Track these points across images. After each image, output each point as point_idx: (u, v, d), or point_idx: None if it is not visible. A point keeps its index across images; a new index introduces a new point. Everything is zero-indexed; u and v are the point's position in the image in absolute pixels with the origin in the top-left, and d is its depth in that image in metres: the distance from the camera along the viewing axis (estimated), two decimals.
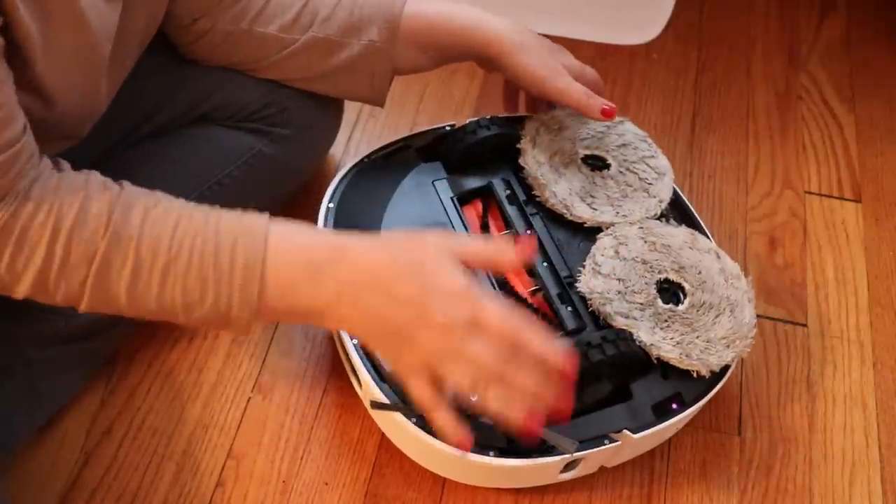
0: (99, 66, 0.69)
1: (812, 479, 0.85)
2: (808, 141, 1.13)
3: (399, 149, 0.90)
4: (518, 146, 0.86)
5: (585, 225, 0.83)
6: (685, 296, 0.79)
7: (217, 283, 0.63)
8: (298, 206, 0.99)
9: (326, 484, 0.81)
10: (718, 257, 0.82)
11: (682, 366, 0.76)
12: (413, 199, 0.85)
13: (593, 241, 0.82)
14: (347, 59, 0.83)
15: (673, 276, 0.80)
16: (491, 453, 0.72)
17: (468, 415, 0.68)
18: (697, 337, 0.77)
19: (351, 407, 0.85)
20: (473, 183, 0.87)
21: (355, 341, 0.77)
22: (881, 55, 1.24)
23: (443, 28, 0.84)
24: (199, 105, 0.86)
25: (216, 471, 0.82)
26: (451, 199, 0.85)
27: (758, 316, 0.95)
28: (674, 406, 0.76)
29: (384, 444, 0.83)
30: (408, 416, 0.73)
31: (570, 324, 0.78)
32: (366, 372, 0.75)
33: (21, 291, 0.63)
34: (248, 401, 0.86)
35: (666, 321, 0.77)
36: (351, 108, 1.08)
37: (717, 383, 0.78)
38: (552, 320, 0.79)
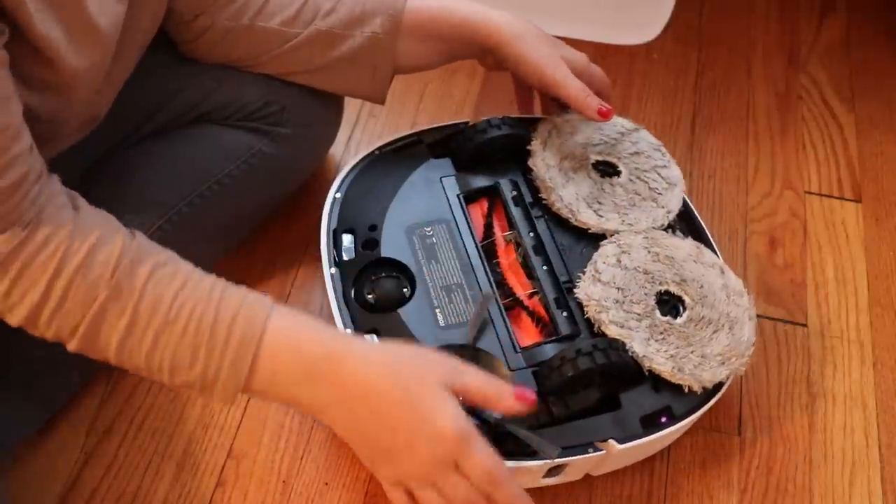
0: (106, 62, 0.69)
1: (812, 479, 0.85)
2: (808, 141, 1.13)
3: (411, 143, 0.90)
4: (528, 147, 0.86)
5: (590, 231, 0.82)
6: (684, 309, 0.78)
7: (209, 354, 0.63)
8: (299, 206, 0.99)
9: (326, 484, 0.81)
10: (723, 272, 0.81)
11: (673, 380, 0.74)
12: (420, 194, 0.85)
13: (597, 247, 0.81)
14: (349, 50, 0.83)
15: (674, 289, 0.79)
16: None
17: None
18: (692, 352, 0.76)
19: None
20: (481, 182, 0.86)
21: None
22: (881, 56, 1.24)
23: (445, 20, 0.84)
24: (200, 104, 0.86)
25: (216, 471, 0.82)
26: (458, 196, 0.85)
27: (758, 316, 0.95)
28: (663, 419, 0.75)
29: None
30: None
31: (565, 329, 0.77)
32: None
33: (13, 321, 0.63)
34: (248, 401, 0.86)
35: (662, 333, 0.76)
36: (351, 108, 1.08)
37: (709, 400, 0.76)
38: (547, 324, 0.78)
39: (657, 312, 0.78)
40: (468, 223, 0.83)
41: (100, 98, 0.74)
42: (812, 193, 1.08)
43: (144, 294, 0.62)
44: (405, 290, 0.79)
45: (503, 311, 0.78)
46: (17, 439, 0.79)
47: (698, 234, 0.86)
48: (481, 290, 0.79)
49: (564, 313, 0.78)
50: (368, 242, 0.81)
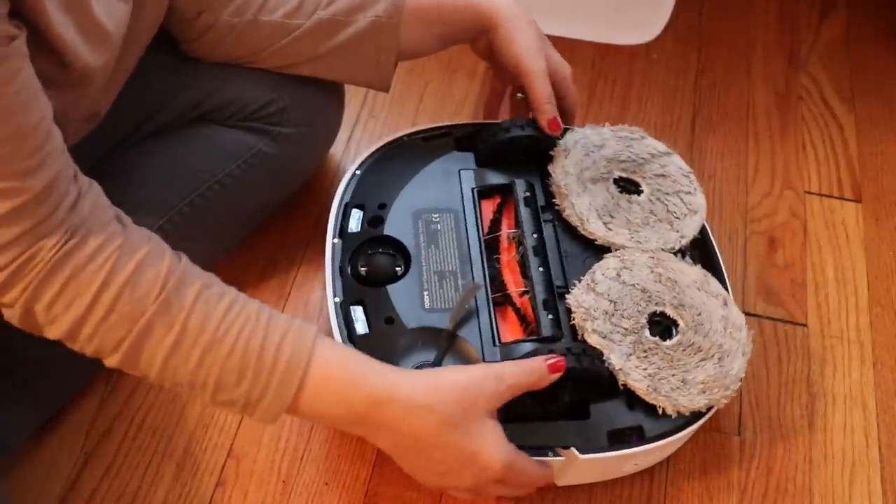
0: (113, 62, 0.70)
1: (812, 479, 0.85)
2: (808, 141, 1.13)
3: (440, 134, 0.91)
4: (551, 153, 0.86)
5: (596, 242, 0.82)
6: (677, 333, 0.77)
7: (256, 374, 0.63)
8: (299, 205, 0.99)
9: (326, 484, 0.81)
10: (726, 304, 0.79)
11: (648, 399, 0.73)
12: (435, 182, 0.86)
13: (600, 259, 0.80)
14: (353, 35, 0.83)
15: (670, 311, 0.78)
16: None
17: None
18: (673, 375, 0.74)
19: None
20: (498, 179, 0.87)
21: None
22: (881, 55, 1.24)
23: (449, 2, 0.85)
24: (201, 104, 0.86)
25: (216, 470, 0.82)
26: (472, 189, 0.86)
27: (758, 316, 0.95)
28: (633, 438, 0.74)
29: None
30: None
31: (547, 331, 0.76)
32: None
33: (54, 334, 0.63)
34: None
35: (646, 352, 0.75)
36: (351, 109, 1.09)
37: (685, 427, 0.75)
38: (531, 324, 0.77)
39: (646, 331, 0.76)
40: (476, 216, 0.84)
41: (102, 97, 0.74)
42: (812, 193, 1.08)
43: (193, 312, 0.63)
44: (398, 268, 0.80)
45: (491, 304, 0.78)
46: (17, 439, 0.79)
47: (712, 265, 0.84)
48: (474, 280, 0.79)
49: (550, 316, 0.77)
50: (375, 219, 0.83)
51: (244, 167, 0.87)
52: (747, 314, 0.96)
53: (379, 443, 0.69)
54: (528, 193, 0.85)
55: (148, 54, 0.78)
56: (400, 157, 0.88)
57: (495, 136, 0.86)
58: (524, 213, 0.83)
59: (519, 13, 0.85)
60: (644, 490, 0.83)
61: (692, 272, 0.81)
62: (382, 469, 0.82)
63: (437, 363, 0.74)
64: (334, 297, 0.78)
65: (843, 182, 1.09)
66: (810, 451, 0.86)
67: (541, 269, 0.80)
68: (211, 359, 0.63)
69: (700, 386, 0.74)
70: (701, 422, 0.76)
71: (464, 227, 0.83)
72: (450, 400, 0.66)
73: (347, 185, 0.86)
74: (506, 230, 0.84)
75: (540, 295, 0.78)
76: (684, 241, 0.83)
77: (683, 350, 0.76)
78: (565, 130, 0.89)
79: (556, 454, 0.73)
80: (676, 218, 0.85)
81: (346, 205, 0.84)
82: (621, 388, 0.74)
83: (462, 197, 0.85)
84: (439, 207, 0.84)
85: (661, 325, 0.78)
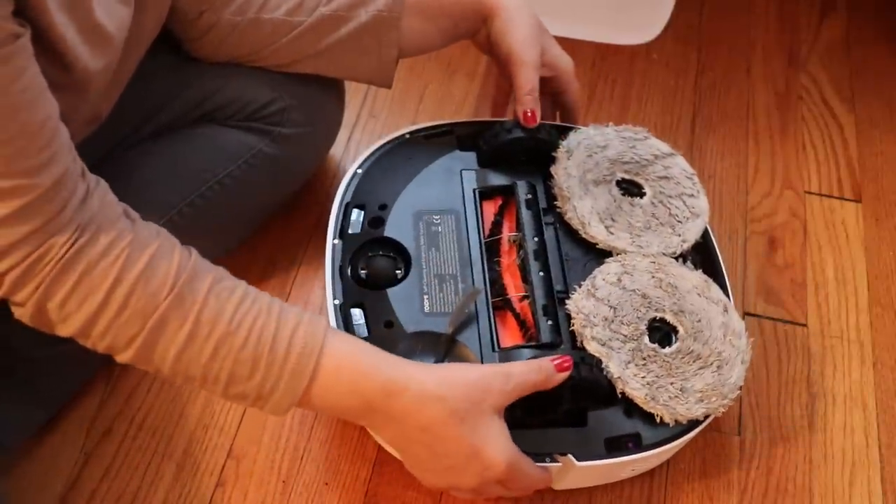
0: (115, 64, 0.70)
1: (812, 479, 0.85)
2: (808, 141, 1.13)
3: (442, 132, 0.90)
4: (553, 154, 0.86)
5: (598, 246, 0.81)
6: (676, 340, 0.77)
7: (269, 366, 0.64)
8: (299, 205, 0.99)
9: (326, 484, 0.81)
10: (726, 311, 0.79)
11: (645, 407, 0.73)
12: (437, 182, 0.86)
13: (602, 263, 0.80)
14: (354, 30, 0.83)
15: (669, 318, 0.77)
16: None
17: None
18: (672, 383, 0.74)
19: None
20: (500, 180, 0.86)
21: None
22: (881, 55, 1.24)
23: None
24: (202, 104, 0.86)
25: (216, 471, 0.82)
26: (474, 190, 0.85)
27: (758, 316, 0.95)
28: (629, 445, 0.74)
29: None
30: None
31: (546, 337, 0.76)
32: None
33: (65, 331, 0.63)
34: None
35: (644, 359, 0.74)
36: (351, 109, 1.09)
37: (682, 436, 0.75)
38: (530, 330, 0.77)
39: (646, 338, 0.76)
40: (477, 218, 0.83)
41: (103, 100, 0.74)
42: (812, 193, 1.08)
43: (206, 305, 0.63)
44: (398, 271, 0.80)
45: (491, 309, 0.78)
46: (16, 438, 0.79)
47: (713, 270, 0.83)
48: (474, 284, 0.79)
49: (550, 322, 0.77)
50: (375, 220, 0.83)
51: (244, 167, 0.87)
52: (747, 314, 0.96)
53: (385, 435, 0.69)
54: (529, 195, 0.84)
55: (149, 55, 0.78)
56: (401, 156, 0.88)
57: (498, 137, 0.86)
58: (525, 215, 0.83)
59: (520, 5, 0.85)
60: (644, 490, 0.83)
61: (693, 277, 0.80)
62: (382, 469, 0.82)
63: None
64: (334, 299, 0.77)
65: (843, 182, 1.09)
66: (810, 451, 0.86)
67: (541, 273, 0.79)
68: (224, 351, 0.63)
69: (698, 394, 0.74)
70: (698, 429, 0.76)
71: (465, 230, 0.83)
72: (459, 394, 0.66)
73: (348, 184, 0.85)
74: (507, 233, 0.84)
75: (540, 300, 0.78)
76: (686, 246, 0.83)
77: (682, 358, 0.76)
78: (569, 130, 0.89)
79: (553, 460, 0.73)
80: (679, 221, 0.84)
81: (347, 205, 0.84)
82: (619, 396, 0.74)
83: (463, 198, 0.85)
84: (440, 208, 0.84)
85: (661, 332, 0.77)
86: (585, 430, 0.74)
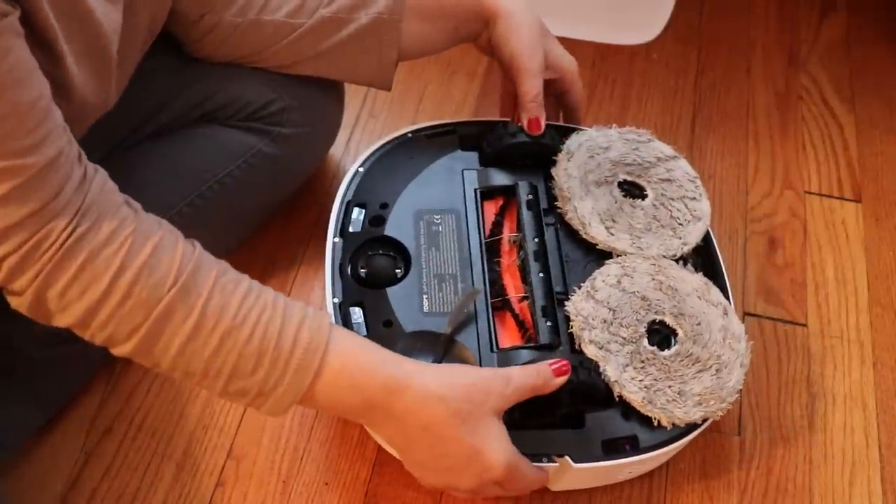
0: (110, 63, 0.69)
1: (812, 479, 0.85)
2: (808, 141, 1.13)
3: (445, 132, 0.90)
4: (554, 157, 0.86)
5: (598, 247, 0.81)
6: (675, 342, 0.76)
7: (273, 361, 0.63)
8: (299, 205, 0.99)
9: (326, 484, 0.81)
10: (726, 314, 0.78)
11: (643, 410, 0.73)
12: (438, 182, 0.86)
13: (602, 264, 0.80)
14: (355, 32, 0.83)
15: (669, 320, 0.77)
16: None
17: None
18: (669, 386, 0.74)
19: None
20: (501, 180, 0.86)
21: None
22: (881, 55, 1.24)
23: None
24: (201, 105, 0.86)
25: (216, 471, 0.82)
26: (475, 190, 0.85)
27: (758, 316, 0.95)
28: (627, 448, 0.74)
29: None
30: None
31: (545, 339, 0.75)
32: None
33: (63, 321, 0.61)
34: None
35: (642, 362, 0.74)
36: (351, 110, 1.09)
37: (679, 439, 0.75)
38: (529, 331, 0.77)
39: (644, 341, 0.76)
40: (478, 218, 0.83)
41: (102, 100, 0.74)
42: (812, 193, 1.08)
43: (211, 297, 0.62)
44: (398, 270, 0.80)
45: (490, 309, 0.78)
46: (16, 438, 0.79)
47: (714, 272, 0.83)
48: (474, 284, 0.79)
49: (549, 323, 0.76)
50: (376, 219, 0.83)
51: (244, 167, 0.87)
52: (747, 314, 0.96)
53: (385, 434, 0.69)
54: (530, 196, 0.84)
55: (148, 56, 0.78)
56: (403, 155, 0.88)
57: (501, 141, 0.86)
58: (526, 216, 0.83)
59: (522, 8, 0.85)
60: (644, 490, 0.83)
61: (693, 280, 0.80)
62: (382, 469, 0.82)
63: None
64: (333, 297, 0.78)
65: (843, 182, 1.09)
66: (810, 451, 0.86)
67: (541, 274, 0.79)
68: (229, 345, 0.62)
69: (696, 398, 0.74)
70: (696, 432, 0.76)
71: (465, 230, 0.83)
72: (461, 394, 0.66)
73: (350, 182, 0.85)
74: (507, 233, 0.84)
75: (539, 301, 0.78)
76: (687, 249, 0.83)
77: (681, 361, 0.75)
78: (572, 131, 0.89)
79: (550, 461, 0.73)
80: (680, 224, 0.84)
81: (348, 203, 0.84)
82: (617, 399, 0.73)
83: (465, 198, 0.85)
84: (441, 208, 0.84)
85: (660, 334, 0.77)
86: (583, 432, 0.74)
